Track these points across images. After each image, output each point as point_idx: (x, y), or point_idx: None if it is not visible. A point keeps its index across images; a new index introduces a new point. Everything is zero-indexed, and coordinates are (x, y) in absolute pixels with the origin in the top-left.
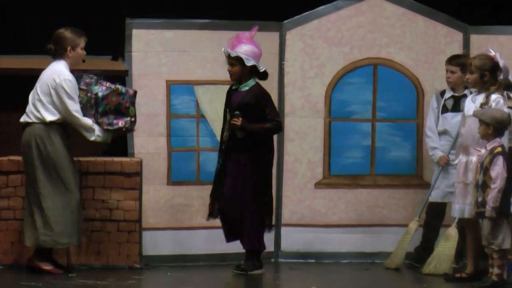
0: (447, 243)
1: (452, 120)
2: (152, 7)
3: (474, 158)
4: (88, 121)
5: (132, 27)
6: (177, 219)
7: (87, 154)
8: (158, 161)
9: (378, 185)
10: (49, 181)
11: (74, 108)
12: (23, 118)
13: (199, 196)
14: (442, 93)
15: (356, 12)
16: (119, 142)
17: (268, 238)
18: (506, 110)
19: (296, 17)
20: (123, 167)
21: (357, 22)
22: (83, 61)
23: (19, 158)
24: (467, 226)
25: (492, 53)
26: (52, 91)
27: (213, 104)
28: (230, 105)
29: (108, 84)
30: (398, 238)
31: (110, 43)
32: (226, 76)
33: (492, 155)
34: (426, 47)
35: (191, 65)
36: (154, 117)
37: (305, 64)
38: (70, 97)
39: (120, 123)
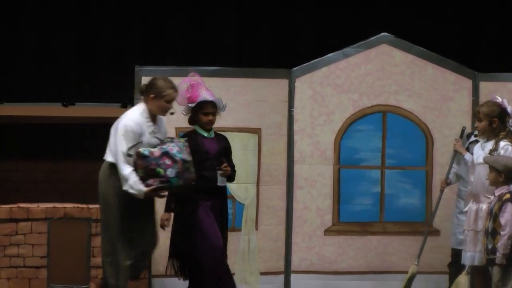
0: None
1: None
2: (160, 54)
3: (484, 206)
4: (126, 170)
5: (141, 74)
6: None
7: (96, 201)
8: None
9: (388, 232)
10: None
11: (120, 152)
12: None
13: None
14: (469, 135)
15: (365, 59)
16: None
17: (278, 285)
18: None
19: (305, 64)
20: None
21: (366, 70)
22: (172, 113)
23: (29, 205)
24: (477, 274)
25: (499, 99)
26: (112, 131)
27: None
28: (206, 152)
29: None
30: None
31: (120, 90)
32: (236, 123)
33: (501, 201)
34: (435, 94)
35: None
36: None
37: (314, 111)
38: (121, 140)
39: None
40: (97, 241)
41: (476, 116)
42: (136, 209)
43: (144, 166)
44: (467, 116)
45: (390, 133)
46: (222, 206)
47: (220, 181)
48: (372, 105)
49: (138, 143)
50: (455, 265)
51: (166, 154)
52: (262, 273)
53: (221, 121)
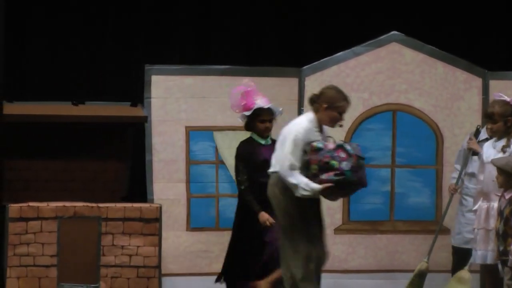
0: (461, 287)
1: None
2: (171, 53)
3: (495, 204)
4: (293, 178)
5: (151, 73)
6: (196, 265)
7: (106, 200)
8: (177, 207)
9: (398, 231)
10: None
11: (288, 160)
12: None
13: (219, 242)
14: (476, 134)
15: (375, 58)
16: (138, 188)
17: None
18: None
19: (315, 63)
20: (143, 213)
21: (376, 68)
22: (340, 126)
23: (39, 204)
24: (487, 272)
25: (507, 98)
26: (281, 138)
27: (232, 150)
28: (264, 160)
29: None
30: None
31: (129, 89)
32: None
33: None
34: (445, 93)
35: (210, 111)
36: (173, 163)
37: None
38: (290, 148)
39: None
40: (106, 240)
41: (489, 117)
42: (316, 217)
43: (318, 160)
44: (477, 115)
45: (400, 132)
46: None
47: None
48: (382, 104)
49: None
50: (459, 265)
51: (340, 147)
52: None
53: (231, 120)
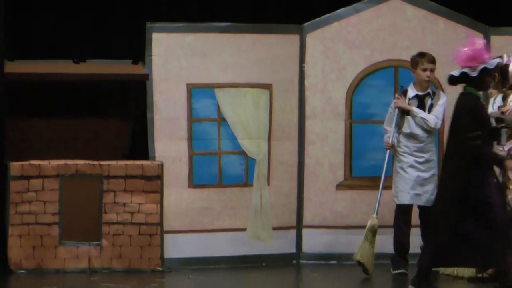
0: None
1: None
2: (172, 11)
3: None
4: None
5: (152, 31)
6: (198, 222)
7: (108, 157)
8: (179, 165)
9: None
10: None
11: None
12: None
13: (221, 199)
14: (405, 92)
15: (376, 14)
16: (140, 146)
17: (289, 240)
18: None
19: (316, 19)
20: (144, 170)
21: (378, 25)
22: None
23: (40, 162)
24: None
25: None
26: None
27: (234, 108)
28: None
29: None
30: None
31: (131, 47)
32: (247, 79)
33: (511, 155)
34: (446, 49)
35: (212, 69)
36: (175, 121)
37: (326, 67)
38: None
39: None
40: (108, 198)
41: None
42: None
43: None
44: None
45: None
46: None
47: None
48: (383, 60)
49: None
50: (405, 220)
51: None
52: (274, 228)
53: (232, 77)
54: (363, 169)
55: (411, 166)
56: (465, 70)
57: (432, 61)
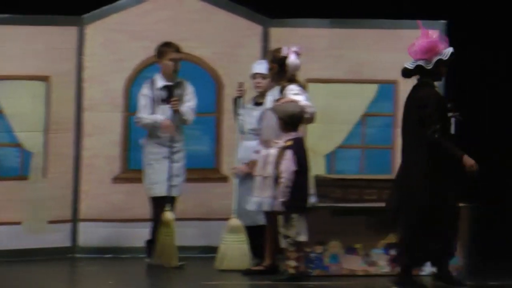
0: (236, 236)
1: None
2: None
3: (273, 151)
4: None
5: None
6: None
7: None
8: None
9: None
10: None
11: None
12: None
13: None
14: (153, 81)
15: (157, 6)
16: None
17: (65, 234)
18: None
19: (96, 11)
20: None
21: (158, 16)
22: None
23: None
24: (267, 220)
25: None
26: None
27: (10, 99)
28: None
29: None
30: (200, 232)
31: None
32: (24, 71)
33: (282, 148)
34: (226, 41)
35: None
36: None
37: (105, 58)
38: None
39: None
40: None
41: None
42: None
43: None
44: None
45: None
46: None
47: None
48: None
49: None
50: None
51: None
52: (50, 222)
53: (9, 69)
54: (141, 162)
55: (165, 157)
56: (420, 62)
57: (178, 50)
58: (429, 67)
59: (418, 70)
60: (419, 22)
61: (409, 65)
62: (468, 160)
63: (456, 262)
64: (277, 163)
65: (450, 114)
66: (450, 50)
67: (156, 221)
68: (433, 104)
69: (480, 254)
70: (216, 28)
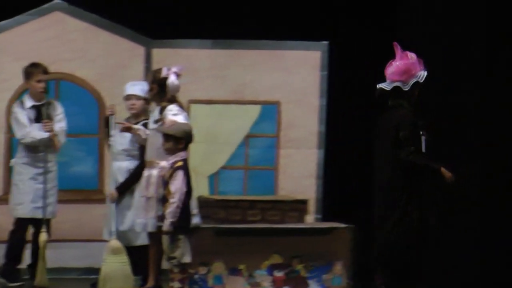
0: (117, 257)
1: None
2: None
3: (155, 172)
4: None
5: None
6: None
7: None
8: None
9: (60, 200)
10: None
11: None
12: None
13: None
14: (22, 102)
15: (39, 26)
16: None
17: None
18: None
19: None
20: None
21: (40, 37)
22: None
23: None
24: (150, 240)
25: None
26: None
27: None
28: None
29: None
30: (83, 253)
31: None
32: None
33: (173, 169)
34: (109, 62)
35: None
36: None
37: None
38: None
39: None
40: None
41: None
42: None
43: None
44: None
45: (63, 101)
46: None
47: None
48: None
49: None
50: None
51: None
52: None
53: None
54: None
55: (32, 178)
56: (397, 83)
57: (46, 71)
58: (406, 88)
59: (393, 91)
60: (395, 44)
61: (386, 86)
62: (446, 172)
63: (340, 283)
64: (167, 183)
65: (421, 133)
66: (425, 73)
67: (18, 241)
68: (409, 127)
69: (365, 274)
70: (99, 49)
